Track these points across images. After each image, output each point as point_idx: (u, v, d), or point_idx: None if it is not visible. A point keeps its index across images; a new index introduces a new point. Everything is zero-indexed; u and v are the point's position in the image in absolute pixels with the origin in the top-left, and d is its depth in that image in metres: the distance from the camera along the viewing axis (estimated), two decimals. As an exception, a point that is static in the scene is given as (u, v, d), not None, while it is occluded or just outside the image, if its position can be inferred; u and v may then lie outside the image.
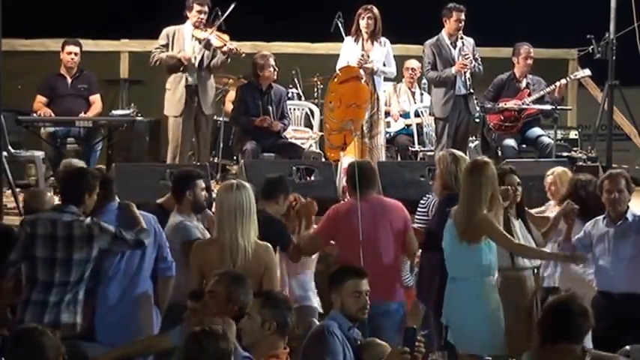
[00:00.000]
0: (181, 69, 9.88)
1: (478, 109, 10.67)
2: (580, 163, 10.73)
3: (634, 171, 10.97)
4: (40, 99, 10.49)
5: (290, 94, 11.41)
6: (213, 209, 7.08)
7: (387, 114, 11.15)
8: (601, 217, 7.11)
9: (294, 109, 11.47)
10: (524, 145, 10.84)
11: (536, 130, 10.85)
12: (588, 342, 6.48)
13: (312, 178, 9.34)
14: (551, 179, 8.04)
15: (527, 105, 10.76)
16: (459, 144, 10.01)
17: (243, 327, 5.29)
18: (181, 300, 6.15)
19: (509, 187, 6.90)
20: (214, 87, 10.38)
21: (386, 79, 10.56)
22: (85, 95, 10.62)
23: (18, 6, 9.06)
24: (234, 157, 10.88)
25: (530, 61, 10.83)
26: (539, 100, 10.77)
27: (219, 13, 10.03)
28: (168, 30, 10.03)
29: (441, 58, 10.34)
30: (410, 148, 11.27)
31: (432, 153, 10.73)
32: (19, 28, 10.92)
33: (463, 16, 10.29)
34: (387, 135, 10.89)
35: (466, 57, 10.23)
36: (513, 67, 10.92)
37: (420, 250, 7.40)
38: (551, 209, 7.91)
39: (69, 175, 6.69)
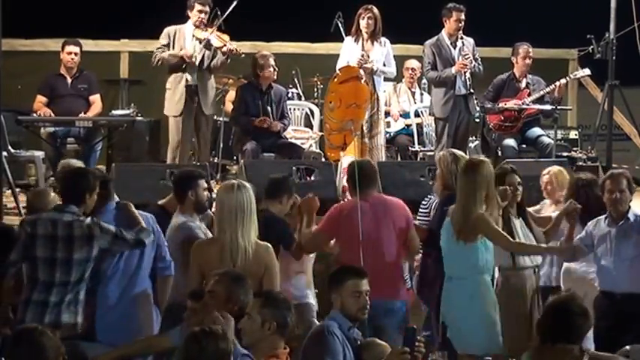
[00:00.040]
0: (183, 66, 9.89)
1: (478, 109, 10.67)
2: (580, 163, 10.75)
3: (634, 171, 10.95)
4: (40, 99, 10.48)
5: (290, 94, 11.41)
6: (213, 209, 7.08)
7: (387, 114, 11.15)
8: (603, 217, 7.11)
9: (294, 109, 11.47)
10: (524, 145, 10.84)
11: (536, 130, 10.85)
12: (590, 341, 6.50)
13: (312, 178, 9.34)
14: (547, 178, 8.05)
15: (527, 105, 10.77)
16: (459, 144, 10.01)
17: (243, 327, 5.29)
18: (181, 300, 6.15)
19: (507, 187, 6.91)
20: (214, 87, 10.38)
21: (386, 79, 10.57)
22: (85, 95, 10.62)
23: (18, 6, 9.05)
24: (234, 157, 10.89)
25: (528, 61, 10.83)
26: (539, 100, 10.77)
27: (219, 13, 10.04)
28: (169, 29, 10.04)
29: (441, 58, 10.34)
30: (410, 148, 11.27)
31: (432, 153, 10.73)
32: (19, 28, 10.92)
33: (463, 16, 10.29)
34: (387, 135, 10.89)
35: (466, 57, 10.23)
36: (513, 67, 10.92)
37: (421, 250, 7.39)
38: (547, 208, 7.94)
39: (70, 175, 6.68)
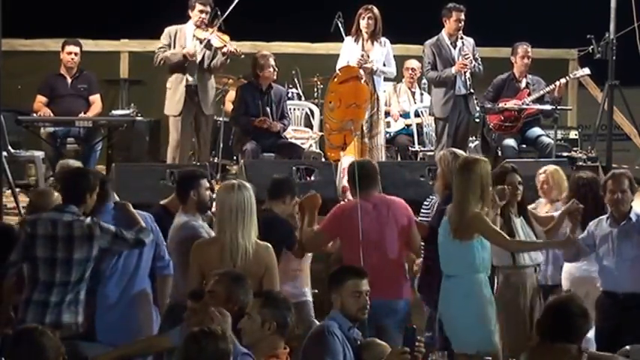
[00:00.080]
0: (185, 65, 9.89)
1: (478, 109, 10.67)
2: (580, 163, 10.74)
3: (634, 171, 10.94)
4: (40, 99, 10.48)
5: (290, 94, 11.41)
6: (213, 209, 7.08)
7: (387, 114, 11.15)
8: (604, 217, 7.11)
9: (294, 109, 11.47)
10: (524, 145, 10.84)
11: (536, 130, 10.85)
12: (592, 342, 6.50)
13: (312, 178, 9.33)
14: (543, 177, 8.05)
15: (527, 105, 10.77)
16: (459, 144, 10.00)
17: (243, 327, 5.29)
18: (181, 300, 6.15)
19: (505, 186, 6.91)
20: (214, 87, 10.39)
21: (386, 79, 10.57)
22: (85, 95, 10.62)
23: (18, 6, 9.04)
24: (234, 157, 10.88)
25: (527, 61, 10.83)
26: (539, 100, 10.78)
27: (219, 13, 10.04)
28: (170, 29, 10.04)
29: (441, 58, 10.34)
30: (410, 148, 11.27)
31: (432, 153, 10.73)
32: (19, 28, 10.92)
33: (463, 16, 10.29)
34: (387, 135, 10.89)
35: (466, 57, 10.23)
36: (512, 67, 10.92)
37: (422, 251, 7.38)
38: (542, 207, 7.93)
39: (70, 175, 6.69)
